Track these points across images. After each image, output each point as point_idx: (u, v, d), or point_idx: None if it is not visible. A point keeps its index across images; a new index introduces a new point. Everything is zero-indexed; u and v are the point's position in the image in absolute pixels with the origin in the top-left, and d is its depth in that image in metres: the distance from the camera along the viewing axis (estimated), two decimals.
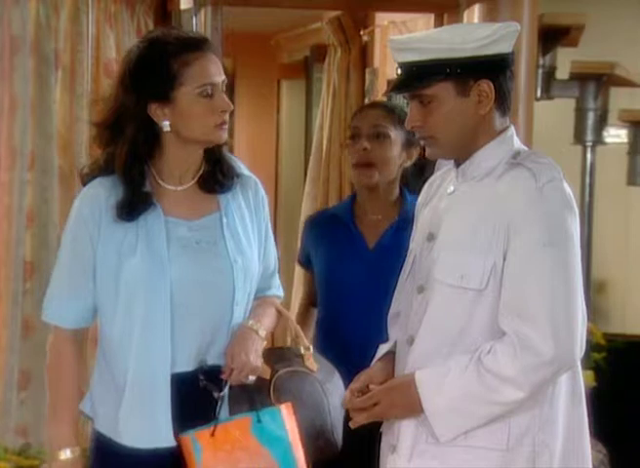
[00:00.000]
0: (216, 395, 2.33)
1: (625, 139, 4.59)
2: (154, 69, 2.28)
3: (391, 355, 2.37)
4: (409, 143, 2.88)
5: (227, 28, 4.16)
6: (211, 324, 2.35)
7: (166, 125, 2.30)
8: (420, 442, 2.21)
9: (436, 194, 2.38)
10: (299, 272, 3.06)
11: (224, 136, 2.35)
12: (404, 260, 2.70)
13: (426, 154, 2.36)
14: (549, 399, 2.19)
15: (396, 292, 2.43)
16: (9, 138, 4.09)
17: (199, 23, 4.14)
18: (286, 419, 2.37)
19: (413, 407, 2.19)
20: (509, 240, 2.15)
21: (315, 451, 2.48)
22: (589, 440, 2.28)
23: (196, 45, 2.31)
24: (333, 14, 5.51)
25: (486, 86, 2.21)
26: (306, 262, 3.00)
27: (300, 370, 2.50)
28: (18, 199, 4.00)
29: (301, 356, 2.52)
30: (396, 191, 2.91)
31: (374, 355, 2.62)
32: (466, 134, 2.24)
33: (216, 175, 2.40)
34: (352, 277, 2.82)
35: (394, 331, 2.41)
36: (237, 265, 2.36)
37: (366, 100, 5.37)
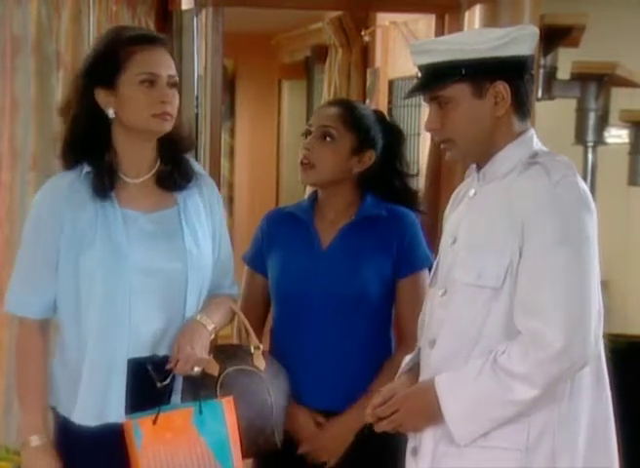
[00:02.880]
0: (158, 384, 2.38)
1: (627, 140, 4.58)
2: (103, 56, 2.39)
3: (417, 367, 2.36)
4: (361, 147, 2.78)
5: (228, 29, 4.16)
6: (165, 313, 2.43)
7: (110, 112, 2.39)
8: (440, 444, 2.22)
9: (462, 201, 2.39)
10: (248, 275, 2.88)
11: (166, 126, 2.41)
12: (357, 262, 2.70)
13: (446, 157, 2.37)
14: (568, 395, 2.18)
15: (425, 301, 2.44)
16: (10, 139, 4.10)
17: (200, 24, 4.14)
18: (226, 413, 2.45)
19: (432, 412, 2.19)
20: (524, 237, 2.15)
21: (254, 448, 2.56)
22: (615, 436, 2.27)
23: (148, 39, 2.42)
24: (334, 14, 5.52)
25: (502, 87, 2.21)
26: (257, 264, 2.86)
27: (248, 369, 2.56)
28: (19, 199, 4.00)
29: (251, 354, 2.58)
30: (350, 193, 2.81)
31: (329, 358, 2.69)
32: (484, 136, 2.25)
33: (174, 175, 2.47)
34: (303, 277, 2.76)
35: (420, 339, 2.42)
36: (192, 256, 2.44)
37: (367, 101, 5.37)
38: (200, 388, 2.43)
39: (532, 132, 2.29)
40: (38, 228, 2.42)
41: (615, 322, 4.97)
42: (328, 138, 2.75)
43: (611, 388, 2.31)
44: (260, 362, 2.58)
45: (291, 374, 2.72)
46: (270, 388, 2.58)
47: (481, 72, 2.20)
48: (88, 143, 2.41)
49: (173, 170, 2.46)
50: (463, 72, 2.20)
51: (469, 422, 2.16)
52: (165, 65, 2.40)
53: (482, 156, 2.28)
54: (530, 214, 2.14)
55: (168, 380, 2.39)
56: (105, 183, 2.38)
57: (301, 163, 2.77)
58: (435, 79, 2.23)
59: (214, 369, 2.49)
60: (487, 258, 2.19)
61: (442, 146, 2.32)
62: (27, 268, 2.44)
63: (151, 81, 2.37)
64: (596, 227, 2.19)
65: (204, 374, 2.45)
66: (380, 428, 2.28)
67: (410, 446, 2.31)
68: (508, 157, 2.25)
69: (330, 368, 2.73)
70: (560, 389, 2.16)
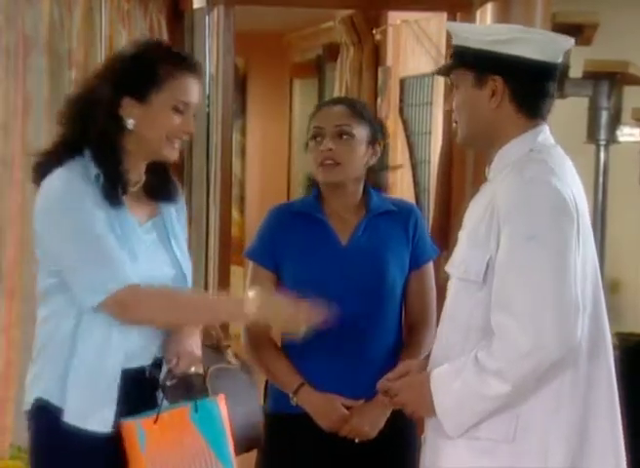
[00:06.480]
0: (168, 383, 2.39)
1: (639, 138, 4.57)
2: (140, 67, 2.36)
3: None
4: (373, 139, 2.83)
5: (240, 28, 4.17)
6: None
7: (130, 123, 2.36)
8: (437, 435, 2.28)
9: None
10: (255, 271, 2.85)
11: (175, 154, 2.42)
12: (377, 258, 2.77)
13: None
14: (555, 388, 2.20)
15: None
16: (22, 137, 4.11)
17: (211, 23, 4.15)
18: (222, 410, 2.46)
19: (428, 405, 2.25)
20: (500, 235, 2.20)
21: (247, 442, 2.60)
22: (619, 430, 2.27)
23: (187, 63, 2.41)
24: (345, 12, 5.52)
25: (497, 83, 2.26)
26: (266, 260, 2.84)
27: (227, 367, 2.61)
28: (31, 198, 4.01)
29: (222, 353, 2.63)
30: (360, 188, 2.85)
31: (358, 352, 2.74)
32: (482, 126, 2.31)
33: (163, 186, 2.48)
34: (326, 274, 2.77)
35: None
36: (182, 264, 2.47)
37: (378, 100, 5.37)
38: (191, 387, 2.45)
39: (540, 129, 2.33)
40: (90, 214, 2.33)
41: (626, 321, 4.97)
42: (345, 136, 2.78)
43: (622, 386, 2.31)
44: (233, 359, 2.63)
45: (316, 369, 2.74)
46: (253, 382, 2.64)
47: (480, 63, 2.27)
48: (104, 147, 2.37)
49: (160, 180, 2.47)
50: (464, 60, 2.28)
51: (457, 416, 2.22)
52: (197, 94, 2.42)
53: (485, 147, 2.34)
54: (503, 211, 2.19)
55: (175, 380, 2.40)
56: (119, 191, 2.36)
57: (322, 164, 2.78)
58: (451, 62, 2.33)
59: (200, 367, 2.51)
60: (472, 253, 2.25)
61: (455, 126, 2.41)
62: (101, 254, 2.31)
63: (183, 110, 2.38)
64: (573, 225, 2.18)
65: (192, 373, 2.48)
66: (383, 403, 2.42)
67: (423, 435, 2.38)
68: (508, 153, 2.29)
69: (358, 359, 2.75)
70: (543, 381, 2.17)
